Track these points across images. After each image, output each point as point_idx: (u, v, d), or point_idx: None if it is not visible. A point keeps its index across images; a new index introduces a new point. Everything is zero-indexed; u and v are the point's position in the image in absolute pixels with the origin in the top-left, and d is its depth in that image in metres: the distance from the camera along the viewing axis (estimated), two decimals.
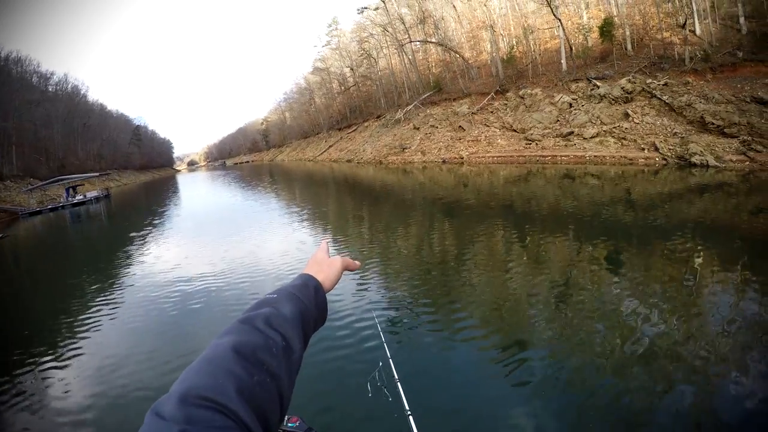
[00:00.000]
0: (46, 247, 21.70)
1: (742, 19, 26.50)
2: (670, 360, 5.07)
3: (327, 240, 1.34)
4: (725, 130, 19.50)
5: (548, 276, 8.32)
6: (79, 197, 44.89)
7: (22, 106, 57.71)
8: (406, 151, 41.85)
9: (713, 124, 20.02)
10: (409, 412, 2.73)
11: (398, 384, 3.13)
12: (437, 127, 41.64)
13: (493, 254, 10.46)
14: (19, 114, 56.67)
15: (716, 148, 18.41)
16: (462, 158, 33.62)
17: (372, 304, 7.87)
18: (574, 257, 9.37)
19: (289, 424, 2.46)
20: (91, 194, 46.52)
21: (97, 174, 58.10)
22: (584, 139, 25.55)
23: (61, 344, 7.81)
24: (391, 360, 3.57)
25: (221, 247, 14.49)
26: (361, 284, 8.94)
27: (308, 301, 0.97)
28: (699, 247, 8.96)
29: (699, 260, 8.23)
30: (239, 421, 0.62)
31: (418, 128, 44.31)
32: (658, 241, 9.59)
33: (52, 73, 75.03)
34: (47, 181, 46.45)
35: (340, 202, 24.89)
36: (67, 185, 46.50)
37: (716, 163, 17.37)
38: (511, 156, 29.44)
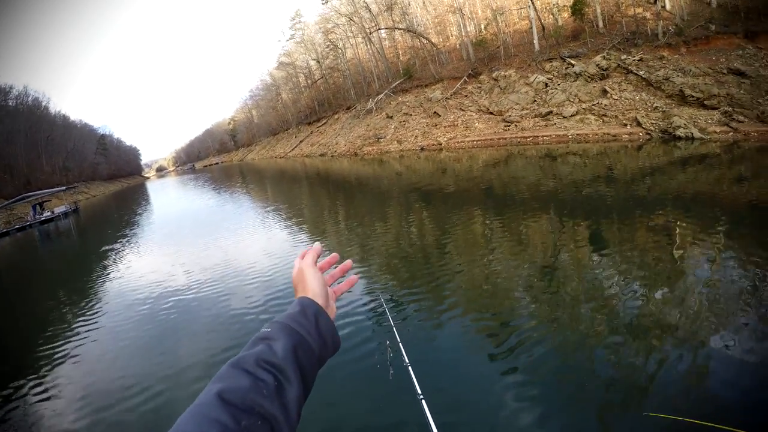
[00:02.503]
0: (15, 271, 20.58)
1: None
2: (655, 330, 5.22)
3: (318, 244, 1.25)
4: (705, 102, 19.41)
5: (533, 257, 8.50)
6: (46, 214, 42.81)
7: None
8: (382, 140, 41.19)
9: (693, 96, 19.91)
10: (421, 396, 2.67)
11: (409, 368, 3.05)
12: (411, 115, 41.08)
13: (479, 239, 10.56)
14: None
15: (699, 120, 18.27)
16: (440, 144, 33.05)
17: (377, 289, 8.07)
18: (557, 238, 9.49)
19: None
20: (59, 210, 44.56)
21: (64, 188, 55.66)
22: (564, 118, 25.30)
23: (42, 374, 7.38)
24: (401, 344, 3.51)
25: (197, 254, 14.09)
26: (365, 272, 9.16)
27: (306, 331, 0.95)
28: (680, 219, 9.12)
29: (680, 231, 8.39)
30: None
31: (391, 117, 43.67)
32: (639, 215, 9.79)
33: (11, 87, 71.39)
34: (12, 200, 44.27)
35: (316, 197, 24.40)
36: (33, 202, 44.22)
37: (701, 135, 17.19)
38: (491, 139, 29.00)
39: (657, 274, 6.71)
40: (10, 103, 70.78)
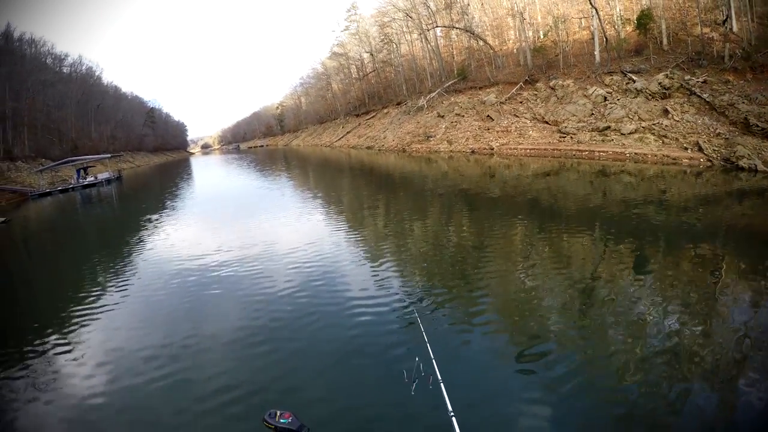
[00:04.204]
0: (54, 231, 21.61)
1: None
2: (687, 364, 5.29)
3: None
4: None
5: (573, 274, 8.61)
6: (90, 179, 44.75)
7: (35, 86, 57.27)
8: (431, 139, 41.47)
9: (758, 126, 19.57)
10: (452, 414, 2.73)
11: (441, 384, 3.13)
12: (463, 116, 41.18)
13: (519, 250, 10.73)
14: (32, 95, 56.30)
15: (763, 152, 17.99)
16: (492, 149, 33.21)
17: (410, 294, 8.14)
18: (599, 258, 9.63)
19: (282, 420, 2.48)
20: (102, 176, 46.42)
21: (109, 155, 57.96)
22: (622, 134, 25.12)
23: (70, 334, 7.85)
24: (434, 360, 3.59)
25: (237, 234, 14.60)
26: (399, 274, 9.33)
27: None
28: (729, 254, 9.03)
29: (726, 267, 8.30)
30: None
31: (442, 116, 43.83)
32: (686, 245, 9.72)
33: (66, 55, 74.65)
34: (58, 162, 46.15)
35: (359, 190, 25.02)
36: (78, 166, 46.18)
37: (765, 168, 16.95)
38: (544, 149, 29.04)
39: (696, 309, 6.70)
40: (64, 70, 73.64)
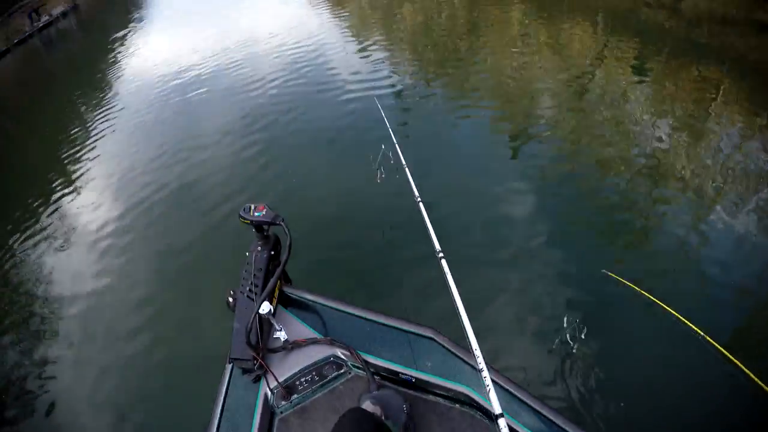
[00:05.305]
0: (26, 85, 19.20)
1: None
2: (667, 174, 5.16)
3: None
4: None
5: (566, 67, 8.16)
6: (44, 19, 38.67)
7: None
8: None
9: None
10: (419, 199, 2.69)
11: (406, 170, 3.11)
12: None
13: (508, 36, 10.15)
14: None
15: None
16: None
17: (372, 85, 7.77)
18: (598, 52, 8.88)
19: (256, 213, 2.36)
20: (57, 11, 40.23)
21: None
22: None
23: (69, 175, 7.56)
24: (397, 146, 3.56)
25: (212, 29, 13.88)
26: (360, 64, 8.81)
27: None
28: (732, 81, 8.04)
29: (727, 94, 7.53)
30: None
31: None
32: (692, 59, 8.64)
33: None
34: (4, 14, 39.78)
35: None
36: (27, 10, 39.74)
37: None
38: None
39: (687, 126, 6.29)
40: None
